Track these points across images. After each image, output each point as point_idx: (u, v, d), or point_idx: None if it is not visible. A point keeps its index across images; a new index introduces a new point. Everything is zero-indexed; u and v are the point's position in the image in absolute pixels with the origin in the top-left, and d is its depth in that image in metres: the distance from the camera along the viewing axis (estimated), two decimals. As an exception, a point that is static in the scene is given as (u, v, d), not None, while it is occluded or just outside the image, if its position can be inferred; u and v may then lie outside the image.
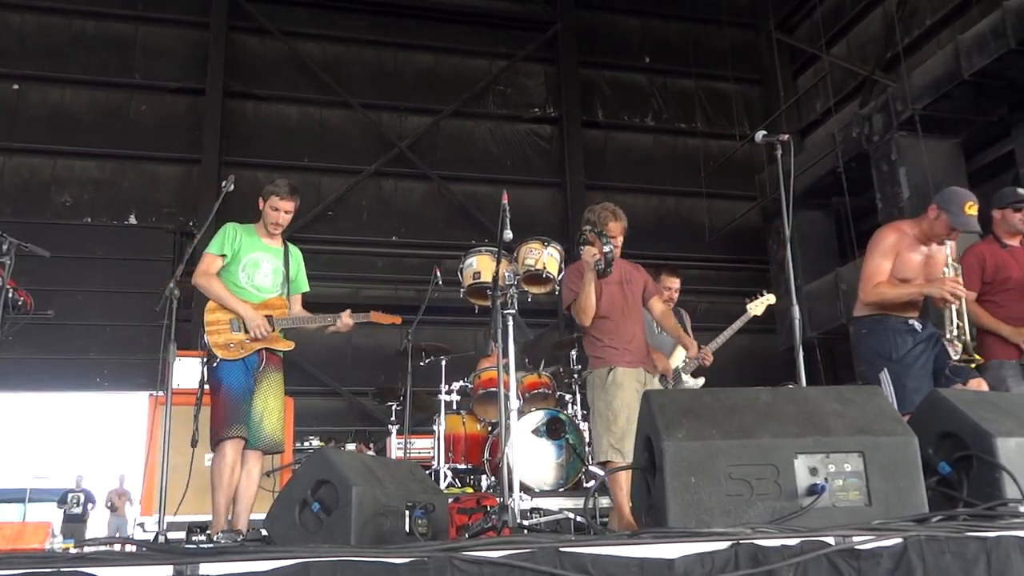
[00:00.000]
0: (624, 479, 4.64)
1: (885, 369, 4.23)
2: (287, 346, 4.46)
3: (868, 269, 4.22)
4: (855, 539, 2.13)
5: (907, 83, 10.00)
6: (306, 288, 4.72)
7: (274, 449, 4.38)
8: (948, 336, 4.18)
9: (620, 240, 4.63)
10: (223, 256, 4.39)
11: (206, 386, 4.24)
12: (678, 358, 5.90)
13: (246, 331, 4.29)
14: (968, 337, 4.20)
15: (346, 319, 4.51)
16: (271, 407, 4.33)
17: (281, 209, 4.44)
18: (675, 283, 5.96)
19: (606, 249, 4.25)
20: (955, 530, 2.19)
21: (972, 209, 4.14)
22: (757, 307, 5.84)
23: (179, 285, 4.18)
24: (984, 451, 2.65)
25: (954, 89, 9.42)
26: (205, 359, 4.26)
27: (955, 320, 4.18)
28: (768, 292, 5.95)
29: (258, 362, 4.33)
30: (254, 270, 4.43)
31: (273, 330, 4.38)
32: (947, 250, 4.29)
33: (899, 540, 2.12)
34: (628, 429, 4.32)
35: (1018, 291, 4.56)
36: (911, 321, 4.21)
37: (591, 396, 4.58)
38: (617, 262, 4.78)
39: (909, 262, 4.24)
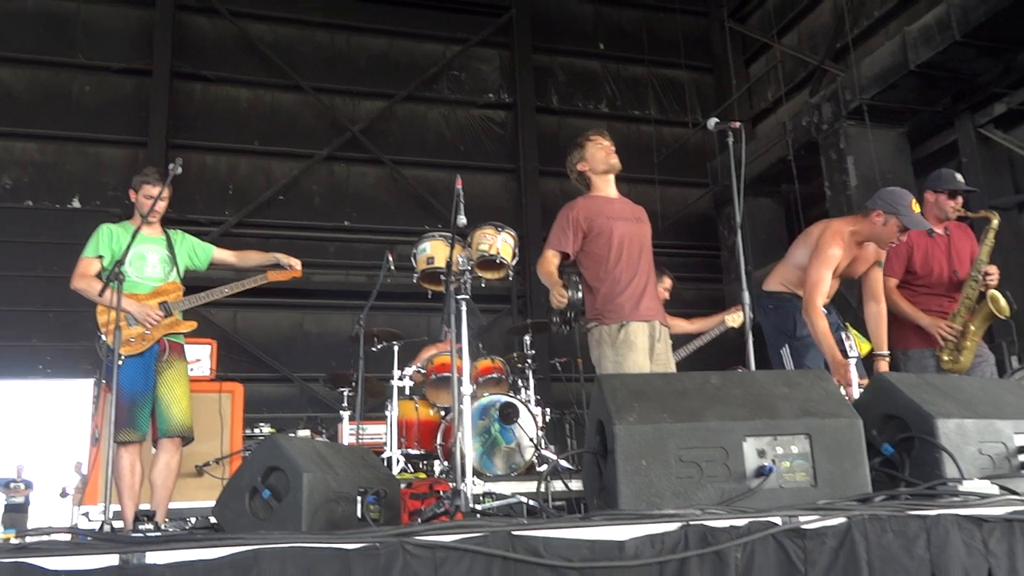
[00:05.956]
0: None
1: (786, 345, 4.33)
2: (189, 326, 4.53)
3: (813, 276, 4.20)
4: (801, 519, 2.17)
5: (856, 73, 10.17)
6: (212, 250, 4.82)
7: (185, 434, 4.39)
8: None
9: (609, 144, 4.28)
10: (100, 257, 4.43)
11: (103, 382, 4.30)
12: None
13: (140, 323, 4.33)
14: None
15: (242, 286, 4.67)
16: (177, 394, 4.38)
17: (154, 196, 4.46)
18: (669, 284, 5.99)
19: (574, 295, 4.01)
20: (897, 509, 2.25)
21: (916, 206, 4.23)
22: (735, 320, 5.85)
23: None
24: (925, 432, 2.72)
25: (901, 80, 9.60)
26: (107, 359, 4.18)
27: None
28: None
29: (160, 352, 4.38)
30: (141, 263, 4.46)
31: (170, 314, 4.42)
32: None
33: (843, 519, 2.17)
34: None
35: (938, 286, 4.65)
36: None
37: (596, 354, 4.07)
38: (623, 200, 4.35)
39: (840, 262, 4.31)
